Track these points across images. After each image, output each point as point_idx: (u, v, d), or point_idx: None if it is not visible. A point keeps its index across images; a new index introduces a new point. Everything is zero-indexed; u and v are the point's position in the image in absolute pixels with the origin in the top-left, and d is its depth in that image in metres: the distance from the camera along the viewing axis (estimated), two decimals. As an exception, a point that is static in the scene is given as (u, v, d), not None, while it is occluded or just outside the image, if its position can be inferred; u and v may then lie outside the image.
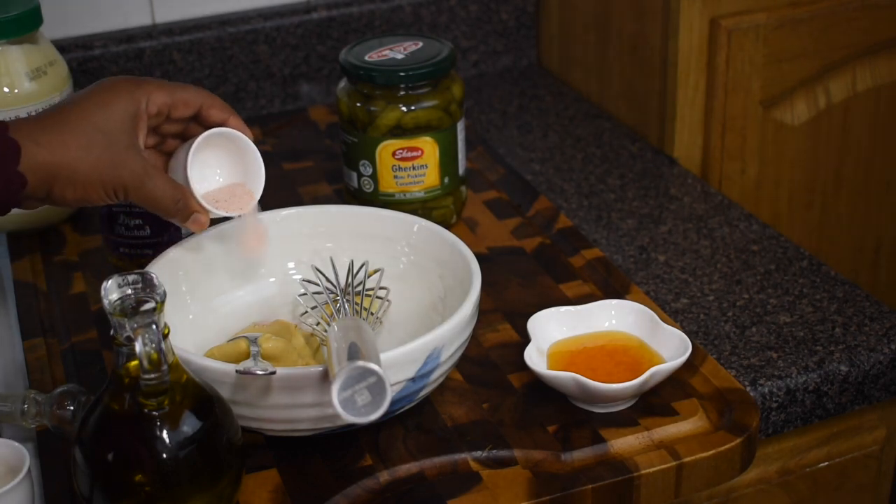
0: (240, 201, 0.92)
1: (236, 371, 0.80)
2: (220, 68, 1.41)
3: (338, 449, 0.86)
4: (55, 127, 0.82)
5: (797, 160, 1.37)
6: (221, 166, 0.93)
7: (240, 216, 0.92)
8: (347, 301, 0.91)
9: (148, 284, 0.74)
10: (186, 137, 0.92)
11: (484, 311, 1.01)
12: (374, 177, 1.10)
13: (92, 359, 0.98)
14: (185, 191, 0.88)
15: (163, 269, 0.92)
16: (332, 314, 0.90)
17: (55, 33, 1.35)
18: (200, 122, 0.91)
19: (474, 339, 0.97)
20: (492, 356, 0.96)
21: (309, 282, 0.97)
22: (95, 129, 0.83)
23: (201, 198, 0.89)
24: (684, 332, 0.98)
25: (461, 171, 1.13)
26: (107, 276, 0.74)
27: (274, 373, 0.79)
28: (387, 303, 0.96)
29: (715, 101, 1.29)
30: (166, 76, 1.38)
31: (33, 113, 1.11)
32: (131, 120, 0.85)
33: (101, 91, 0.85)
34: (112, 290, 0.73)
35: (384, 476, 0.84)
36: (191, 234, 1.06)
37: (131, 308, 0.72)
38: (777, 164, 1.36)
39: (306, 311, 0.96)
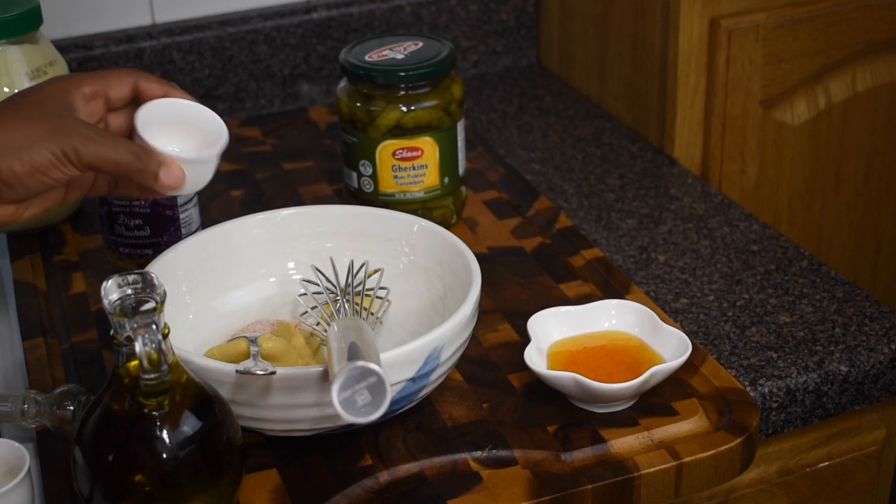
0: (206, 144, 0.85)
1: (236, 371, 0.79)
2: (220, 68, 1.41)
3: (338, 449, 0.86)
4: None
5: (797, 160, 1.37)
6: (178, 141, 0.85)
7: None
8: (347, 301, 0.91)
9: (148, 284, 0.74)
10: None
11: (484, 311, 1.01)
12: (374, 177, 1.10)
13: (92, 359, 0.98)
14: (142, 147, 0.80)
15: (163, 269, 0.92)
16: (332, 314, 0.89)
17: (55, 33, 1.35)
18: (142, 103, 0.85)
19: (474, 339, 0.97)
20: (492, 356, 0.96)
21: (309, 282, 0.97)
22: (21, 102, 0.78)
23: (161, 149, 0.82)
24: (684, 332, 0.98)
25: (461, 171, 1.13)
26: (107, 276, 0.74)
27: (274, 373, 0.79)
28: (387, 303, 0.96)
29: (715, 101, 1.29)
30: (166, 76, 1.38)
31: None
32: (65, 100, 0.79)
33: (29, 90, 0.81)
34: (112, 290, 0.73)
35: (384, 476, 0.84)
36: (191, 233, 1.06)
37: (131, 308, 0.72)
38: (777, 164, 1.36)
39: (306, 311, 0.96)
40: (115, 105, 0.84)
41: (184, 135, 0.85)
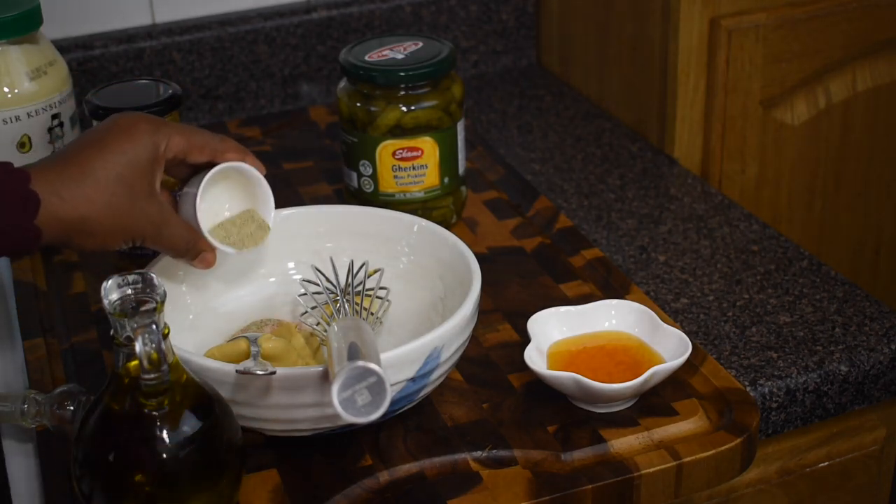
0: (250, 234, 0.93)
1: (236, 371, 0.80)
2: (220, 68, 1.41)
3: (338, 449, 0.86)
4: (79, 180, 0.82)
5: (797, 160, 1.37)
6: (231, 200, 0.93)
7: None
8: (347, 301, 0.91)
9: (148, 284, 0.74)
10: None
11: (484, 311, 1.01)
12: (374, 177, 1.10)
13: (92, 359, 0.98)
14: (196, 233, 0.88)
15: (163, 269, 0.92)
16: (332, 314, 0.90)
17: (55, 33, 1.35)
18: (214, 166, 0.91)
19: (474, 339, 0.97)
20: (492, 356, 0.96)
21: (309, 282, 0.97)
22: (119, 181, 0.83)
23: (209, 234, 0.89)
24: (684, 332, 0.98)
25: (461, 171, 1.13)
26: (107, 276, 0.74)
27: (274, 373, 0.79)
28: (387, 303, 0.96)
29: (715, 101, 1.29)
30: (166, 76, 1.38)
31: (33, 113, 1.11)
32: (151, 165, 0.85)
33: (121, 133, 0.84)
34: (112, 290, 0.73)
35: (384, 476, 0.84)
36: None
37: (131, 308, 0.72)
38: (777, 164, 1.36)
39: (306, 311, 0.96)
40: (188, 164, 0.89)
41: (237, 202, 0.93)
